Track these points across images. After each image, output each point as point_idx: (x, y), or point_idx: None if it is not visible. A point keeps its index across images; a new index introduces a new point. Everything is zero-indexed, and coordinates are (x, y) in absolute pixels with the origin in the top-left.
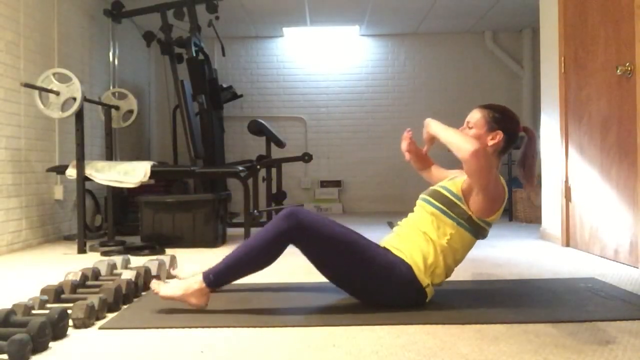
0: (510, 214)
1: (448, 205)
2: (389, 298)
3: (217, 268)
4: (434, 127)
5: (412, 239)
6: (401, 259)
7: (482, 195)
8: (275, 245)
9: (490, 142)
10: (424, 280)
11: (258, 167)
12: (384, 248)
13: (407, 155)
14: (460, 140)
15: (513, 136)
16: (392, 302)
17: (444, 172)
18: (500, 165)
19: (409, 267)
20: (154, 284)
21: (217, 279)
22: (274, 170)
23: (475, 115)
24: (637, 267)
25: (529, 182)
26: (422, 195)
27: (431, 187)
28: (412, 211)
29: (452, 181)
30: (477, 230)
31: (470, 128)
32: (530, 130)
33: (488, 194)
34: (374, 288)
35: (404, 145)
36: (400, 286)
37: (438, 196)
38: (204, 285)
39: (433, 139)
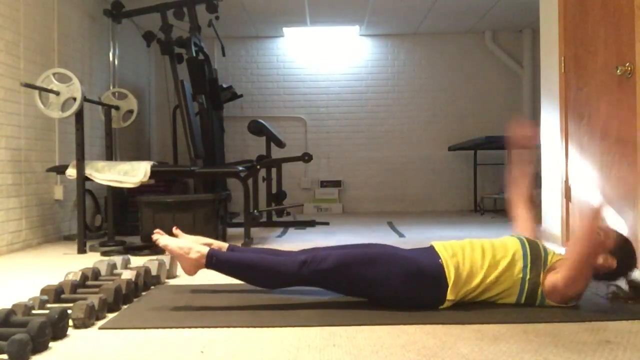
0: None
1: (533, 261)
2: (409, 299)
3: (223, 257)
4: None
5: (476, 257)
6: (439, 263)
7: (562, 285)
8: (284, 281)
9: (600, 261)
10: (450, 294)
11: (258, 167)
12: (430, 247)
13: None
14: (582, 266)
15: (622, 272)
16: (410, 302)
17: (532, 230)
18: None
19: (441, 271)
20: (157, 234)
21: (216, 265)
22: (274, 170)
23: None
24: (637, 267)
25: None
26: (518, 235)
27: (530, 237)
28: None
29: (553, 252)
30: (529, 297)
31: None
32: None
33: (568, 291)
34: (398, 294)
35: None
36: (421, 289)
37: (534, 247)
38: (203, 260)
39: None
